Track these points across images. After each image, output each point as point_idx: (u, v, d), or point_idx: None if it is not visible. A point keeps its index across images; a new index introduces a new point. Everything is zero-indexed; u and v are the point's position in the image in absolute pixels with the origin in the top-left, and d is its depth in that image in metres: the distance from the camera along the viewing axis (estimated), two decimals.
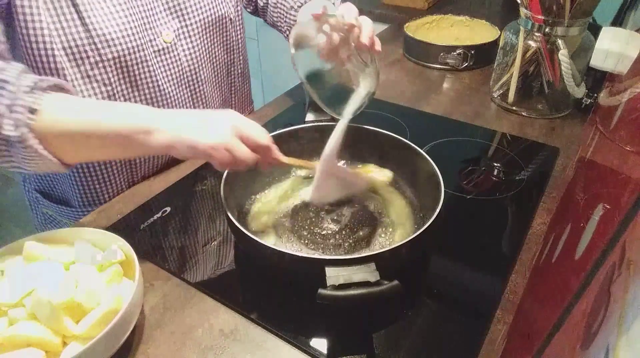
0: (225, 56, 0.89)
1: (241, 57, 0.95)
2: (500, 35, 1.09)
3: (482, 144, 0.92)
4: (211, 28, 0.82)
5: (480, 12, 1.40)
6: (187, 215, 0.74)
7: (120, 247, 0.58)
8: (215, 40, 0.84)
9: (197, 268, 0.65)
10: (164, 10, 0.76)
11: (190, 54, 0.80)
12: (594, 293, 0.34)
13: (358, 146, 0.78)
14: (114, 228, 0.70)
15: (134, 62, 0.72)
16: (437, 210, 0.59)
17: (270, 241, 0.65)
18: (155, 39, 0.75)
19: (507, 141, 0.92)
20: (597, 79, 1.01)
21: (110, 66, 0.70)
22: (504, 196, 0.77)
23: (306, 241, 0.66)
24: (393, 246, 0.55)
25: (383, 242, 0.66)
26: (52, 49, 0.65)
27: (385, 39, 1.39)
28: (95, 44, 0.67)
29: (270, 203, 0.73)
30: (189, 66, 0.81)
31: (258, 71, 2.13)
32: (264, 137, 0.59)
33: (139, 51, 0.72)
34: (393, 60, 1.24)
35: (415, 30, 1.27)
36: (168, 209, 0.75)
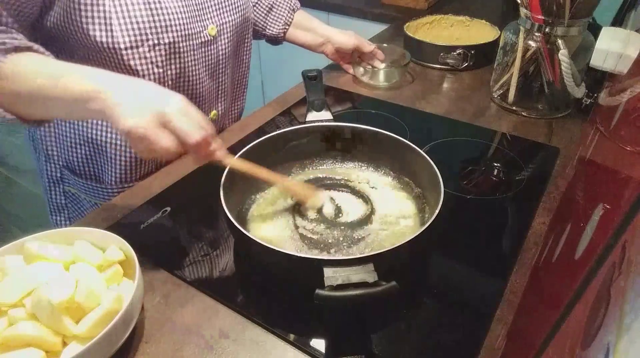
0: (244, 56, 0.95)
1: (249, 59, 0.99)
2: (500, 35, 1.09)
3: (482, 144, 0.92)
4: (240, 28, 0.88)
5: (480, 12, 1.40)
6: (187, 215, 0.74)
7: (120, 247, 0.58)
8: (240, 39, 0.90)
9: (197, 268, 0.65)
10: (213, 5, 0.81)
11: (224, 49, 0.85)
12: (594, 293, 0.34)
13: (357, 147, 0.78)
14: (114, 228, 0.70)
15: (183, 49, 0.77)
16: (437, 210, 0.59)
17: (269, 241, 0.65)
18: (202, 31, 0.79)
19: (507, 141, 0.92)
20: (597, 79, 1.01)
21: (165, 50, 0.74)
22: (504, 196, 0.77)
23: (305, 241, 0.66)
24: (392, 246, 0.55)
25: (384, 243, 0.66)
26: (112, 30, 0.69)
27: (385, 39, 1.39)
28: (156, 27, 0.71)
29: (270, 203, 0.73)
30: (222, 60, 0.86)
31: (258, 71, 2.12)
32: (192, 135, 0.56)
33: (188, 40, 0.77)
34: (393, 60, 1.24)
35: (415, 30, 1.27)
36: (168, 209, 0.75)
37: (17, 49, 0.60)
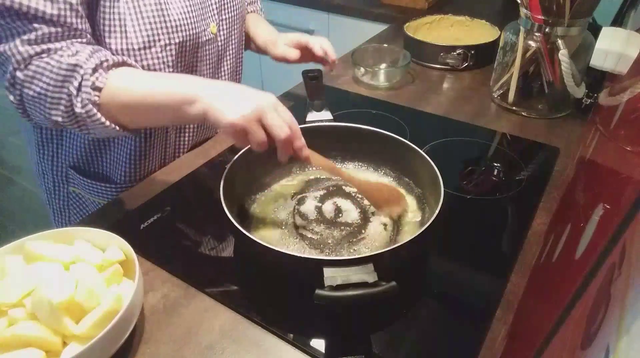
0: (239, 52, 0.96)
1: (243, 53, 1.00)
2: (500, 35, 1.09)
3: (482, 144, 0.92)
4: (237, 24, 0.89)
5: (480, 12, 1.40)
6: (187, 215, 0.74)
7: (120, 247, 0.58)
8: (237, 35, 0.91)
9: (197, 268, 0.65)
10: (214, 3, 0.83)
11: (223, 46, 0.87)
12: (594, 293, 0.34)
13: (358, 146, 0.78)
14: (114, 228, 0.70)
15: (190, 48, 0.79)
16: (437, 211, 0.59)
17: (269, 241, 0.65)
18: (205, 30, 0.81)
19: (507, 141, 0.92)
20: (597, 79, 1.01)
21: (176, 50, 0.76)
22: (504, 196, 0.77)
23: (306, 241, 0.66)
24: (392, 247, 0.55)
25: (384, 243, 0.66)
26: (126, 31, 0.70)
27: (385, 39, 1.39)
28: (167, 27, 0.73)
29: (270, 203, 0.73)
30: (220, 56, 0.88)
31: (258, 71, 2.13)
32: (282, 131, 0.60)
33: (195, 39, 0.79)
34: (393, 60, 1.24)
35: (415, 30, 1.27)
36: (168, 209, 0.75)
37: (115, 65, 0.66)
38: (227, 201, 0.62)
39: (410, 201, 0.72)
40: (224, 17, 0.85)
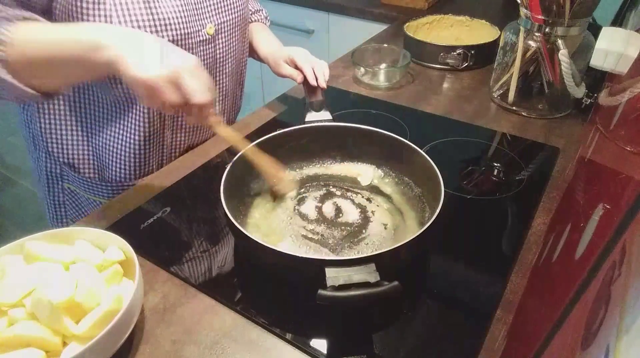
0: (242, 55, 0.95)
1: (247, 57, 1.00)
2: (500, 35, 1.09)
3: (482, 144, 0.92)
4: (239, 27, 0.89)
5: (480, 12, 1.40)
6: (187, 215, 0.74)
7: (120, 247, 0.58)
8: (239, 38, 0.91)
9: (197, 268, 0.65)
10: (211, 5, 0.82)
11: (222, 48, 0.86)
12: (594, 293, 0.34)
13: (358, 146, 0.78)
14: (114, 228, 0.70)
15: (182, 48, 0.77)
16: (437, 211, 0.59)
17: (270, 241, 0.65)
18: (200, 30, 0.80)
19: (507, 141, 0.92)
20: (597, 79, 1.01)
21: None
22: (504, 196, 0.77)
23: (306, 242, 0.66)
24: (393, 246, 0.55)
25: (384, 243, 0.66)
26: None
27: (385, 39, 1.39)
28: (155, 25, 0.72)
29: (271, 203, 0.73)
30: (220, 59, 0.87)
31: (258, 71, 2.13)
32: (199, 95, 0.57)
33: (187, 39, 0.78)
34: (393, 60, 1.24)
35: (415, 30, 1.27)
36: (168, 209, 0.75)
37: (25, 19, 0.61)
38: (227, 201, 0.62)
39: (413, 201, 0.72)
40: (224, 19, 0.84)
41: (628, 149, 0.57)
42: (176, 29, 0.75)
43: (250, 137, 0.90)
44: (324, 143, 0.79)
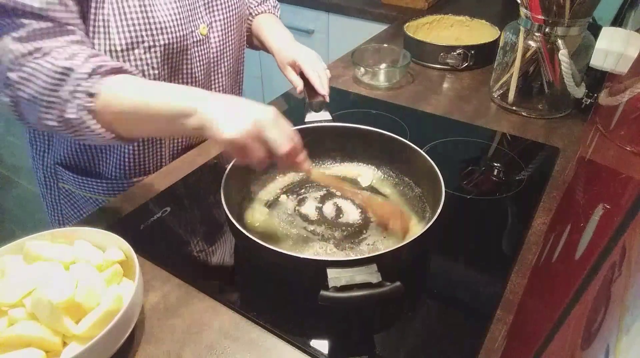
0: (238, 53, 0.95)
1: (245, 55, 0.99)
2: (500, 35, 1.09)
3: (482, 144, 0.92)
4: (234, 25, 0.89)
5: (480, 12, 1.40)
6: (187, 215, 0.74)
7: (120, 247, 0.58)
8: (235, 36, 0.90)
9: (197, 268, 0.65)
10: (203, 5, 0.82)
11: (216, 47, 0.86)
12: (594, 293, 0.34)
13: (357, 146, 0.78)
14: (114, 228, 0.70)
15: (177, 50, 0.78)
16: (439, 210, 0.59)
17: (270, 242, 0.65)
18: (194, 31, 0.80)
19: (507, 141, 0.92)
20: (597, 79, 1.01)
21: (161, 52, 0.75)
22: (504, 196, 0.77)
23: (307, 242, 0.66)
24: (394, 247, 0.55)
25: (385, 243, 0.66)
26: (109, 32, 0.70)
27: (385, 39, 1.39)
28: (151, 29, 0.73)
29: (271, 203, 0.73)
30: (214, 58, 0.87)
31: (258, 71, 2.12)
32: (283, 146, 0.58)
33: (182, 41, 0.78)
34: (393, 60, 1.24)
35: (415, 30, 1.27)
36: (168, 209, 0.75)
37: (113, 71, 0.63)
38: (227, 202, 0.62)
39: (413, 201, 0.72)
40: (216, 18, 0.84)
41: (628, 149, 0.57)
42: (171, 32, 0.75)
43: None
44: (324, 144, 0.79)
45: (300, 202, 0.73)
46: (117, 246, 0.58)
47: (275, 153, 0.58)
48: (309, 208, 0.72)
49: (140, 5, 0.71)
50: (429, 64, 1.20)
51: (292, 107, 1.03)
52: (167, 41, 0.75)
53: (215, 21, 0.84)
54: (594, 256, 0.34)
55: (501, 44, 1.00)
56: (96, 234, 0.59)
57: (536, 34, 0.91)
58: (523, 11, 0.91)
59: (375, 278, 0.50)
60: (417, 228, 0.67)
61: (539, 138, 0.92)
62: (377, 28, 1.53)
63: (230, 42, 0.89)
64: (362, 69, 1.12)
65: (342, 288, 0.49)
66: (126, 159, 0.83)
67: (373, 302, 0.49)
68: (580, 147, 0.87)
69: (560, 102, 0.98)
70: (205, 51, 0.84)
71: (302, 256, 0.55)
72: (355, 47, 1.22)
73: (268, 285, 0.62)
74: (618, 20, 1.16)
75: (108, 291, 0.54)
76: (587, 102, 0.97)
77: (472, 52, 1.14)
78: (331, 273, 0.51)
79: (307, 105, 0.85)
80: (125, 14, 0.70)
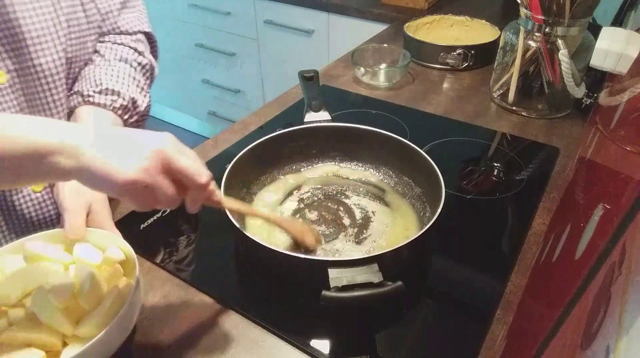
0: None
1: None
2: (500, 35, 1.09)
3: (482, 144, 0.92)
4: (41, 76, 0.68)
5: (480, 12, 1.40)
6: (187, 215, 0.74)
7: (120, 247, 0.58)
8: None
9: (197, 268, 0.65)
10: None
11: (27, 93, 0.67)
12: (594, 293, 0.34)
13: (357, 147, 0.78)
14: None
15: None
16: (438, 211, 0.59)
17: (271, 242, 0.65)
18: None
19: (507, 141, 0.92)
20: (597, 79, 1.01)
21: None
22: (504, 196, 0.77)
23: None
24: (395, 247, 0.55)
25: (386, 243, 0.66)
26: None
27: (385, 39, 1.39)
28: None
29: (272, 203, 0.73)
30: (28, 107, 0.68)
31: (258, 71, 2.13)
32: (201, 174, 0.47)
33: None
34: (393, 60, 1.24)
35: (415, 30, 1.27)
36: (168, 209, 0.74)
37: None
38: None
39: (413, 202, 0.72)
40: (18, 66, 0.64)
41: (628, 149, 0.57)
42: None
43: (250, 137, 0.91)
44: (324, 144, 0.79)
45: (300, 202, 0.73)
46: (117, 246, 0.58)
47: (191, 184, 0.47)
48: (310, 208, 0.71)
49: None
50: (429, 64, 1.19)
51: (292, 107, 1.03)
52: None
53: (19, 69, 0.65)
54: (594, 256, 0.34)
55: (501, 44, 1.00)
56: (96, 234, 0.59)
57: (536, 34, 0.91)
58: (523, 11, 0.91)
59: (376, 277, 0.50)
60: (416, 229, 0.67)
61: (539, 138, 0.92)
62: (377, 28, 1.53)
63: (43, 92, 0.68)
64: (362, 69, 1.12)
65: (343, 288, 0.49)
66: None
67: (375, 302, 0.50)
68: (580, 147, 0.87)
69: (560, 102, 0.98)
70: (9, 100, 0.65)
71: (302, 256, 0.55)
72: (355, 47, 1.22)
73: (268, 285, 0.62)
74: (618, 20, 1.16)
75: (108, 292, 0.54)
76: (587, 102, 0.97)
77: (472, 52, 1.14)
78: (332, 273, 0.51)
79: (306, 105, 0.85)
80: None
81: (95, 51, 0.76)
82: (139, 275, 0.54)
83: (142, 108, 0.77)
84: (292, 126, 0.77)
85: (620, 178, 0.53)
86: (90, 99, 0.71)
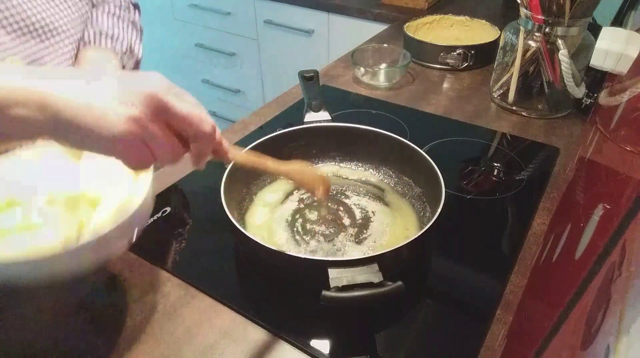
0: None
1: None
2: (500, 35, 1.09)
3: (482, 144, 0.92)
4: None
5: (480, 12, 1.40)
6: (187, 215, 0.74)
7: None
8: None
9: (197, 268, 0.65)
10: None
11: None
12: (594, 293, 0.34)
13: (357, 146, 0.78)
14: None
15: None
16: (438, 211, 0.59)
17: (271, 242, 0.65)
18: None
19: (507, 141, 0.92)
20: (597, 79, 1.01)
21: None
22: (504, 196, 0.77)
23: (308, 242, 0.66)
24: (395, 247, 0.55)
25: (386, 243, 0.66)
26: None
27: (385, 39, 1.39)
28: None
29: (272, 203, 0.73)
30: None
31: (258, 71, 2.13)
32: (205, 121, 0.40)
33: None
34: (393, 60, 1.24)
35: (415, 30, 1.27)
36: (168, 209, 0.75)
37: None
38: (227, 202, 0.62)
39: (413, 202, 0.72)
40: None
41: (628, 149, 0.57)
42: None
43: (250, 137, 0.91)
44: (324, 144, 0.79)
45: (301, 202, 0.73)
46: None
47: (193, 134, 0.40)
48: (310, 208, 0.72)
49: None
50: (429, 64, 1.19)
51: (292, 107, 1.03)
52: None
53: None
54: (594, 256, 0.34)
55: (501, 44, 1.00)
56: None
57: (536, 34, 0.91)
58: (523, 11, 0.91)
59: (376, 277, 0.50)
60: (416, 229, 0.67)
61: (539, 138, 0.92)
62: (377, 28, 1.53)
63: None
64: (362, 69, 1.12)
65: (343, 288, 0.49)
66: None
67: (375, 302, 0.50)
68: (580, 147, 0.87)
69: (560, 102, 0.98)
70: None
71: (302, 256, 0.55)
72: (355, 47, 1.22)
73: (268, 285, 0.62)
74: (618, 20, 1.16)
75: (122, 186, 0.53)
76: (587, 102, 0.97)
77: (472, 52, 1.14)
78: (332, 273, 0.51)
79: (306, 105, 0.85)
80: None
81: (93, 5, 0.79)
82: (152, 169, 0.51)
83: (139, 56, 0.80)
84: (292, 126, 0.77)
85: (620, 178, 0.53)
86: (91, 44, 0.70)
